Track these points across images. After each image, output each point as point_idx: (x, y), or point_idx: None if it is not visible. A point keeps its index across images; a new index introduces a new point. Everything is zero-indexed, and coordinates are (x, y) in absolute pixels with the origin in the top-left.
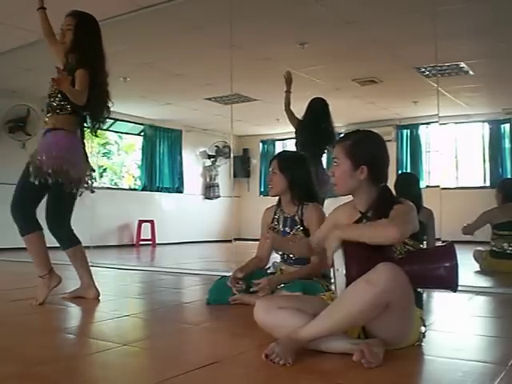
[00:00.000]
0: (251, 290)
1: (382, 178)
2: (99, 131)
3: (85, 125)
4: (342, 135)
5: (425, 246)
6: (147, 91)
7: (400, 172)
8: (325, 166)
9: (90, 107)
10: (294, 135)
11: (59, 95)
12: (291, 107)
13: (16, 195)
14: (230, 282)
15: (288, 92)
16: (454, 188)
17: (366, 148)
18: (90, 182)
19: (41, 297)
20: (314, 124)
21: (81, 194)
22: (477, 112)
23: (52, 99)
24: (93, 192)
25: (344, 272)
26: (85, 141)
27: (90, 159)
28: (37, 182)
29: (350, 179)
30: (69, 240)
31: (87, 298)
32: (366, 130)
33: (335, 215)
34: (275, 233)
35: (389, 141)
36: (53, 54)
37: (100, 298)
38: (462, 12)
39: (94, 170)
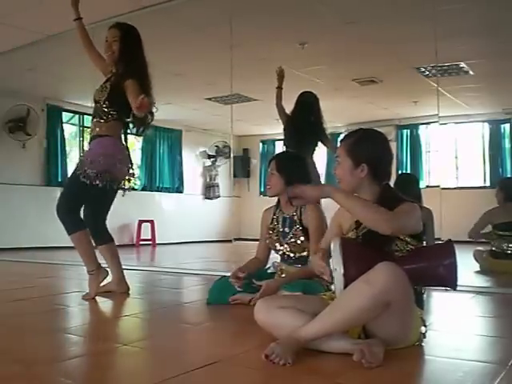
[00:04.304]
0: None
1: (384, 177)
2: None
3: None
4: (343, 134)
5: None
6: None
7: (400, 172)
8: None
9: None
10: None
11: (106, 102)
12: (283, 104)
13: (66, 194)
14: (231, 278)
15: (279, 88)
16: (454, 188)
17: (367, 146)
18: (128, 184)
19: (92, 292)
20: (302, 119)
21: (123, 195)
22: (477, 112)
23: (99, 105)
24: (123, 195)
25: (342, 272)
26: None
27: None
28: (87, 182)
29: (350, 177)
30: (103, 237)
31: (117, 292)
32: (369, 129)
33: (339, 214)
34: (275, 233)
35: (389, 141)
36: (96, 65)
37: (129, 292)
38: (461, 12)
39: (133, 175)
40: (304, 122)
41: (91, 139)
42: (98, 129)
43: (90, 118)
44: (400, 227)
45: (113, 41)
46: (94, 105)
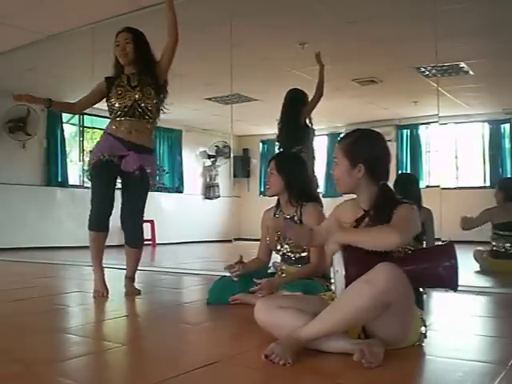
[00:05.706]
0: (251, 289)
1: (382, 176)
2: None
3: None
4: (342, 135)
5: (424, 246)
6: None
7: (400, 172)
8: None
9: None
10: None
11: (154, 101)
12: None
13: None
14: (227, 268)
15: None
16: (454, 188)
17: (364, 146)
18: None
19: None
20: (294, 116)
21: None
22: (477, 112)
23: (137, 104)
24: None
25: (343, 273)
26: None
27: None
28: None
29: (348, 178)
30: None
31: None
32: (366, 129)
33: (339, 211)
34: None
35: (389, 141)
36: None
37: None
38: (462, 12)
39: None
40: (297, 120)
41: (134, 143)
42: (143, 133)
43: (91, 117)
44: (408, 237)
45: (126, 43)
46: (119, 105)
